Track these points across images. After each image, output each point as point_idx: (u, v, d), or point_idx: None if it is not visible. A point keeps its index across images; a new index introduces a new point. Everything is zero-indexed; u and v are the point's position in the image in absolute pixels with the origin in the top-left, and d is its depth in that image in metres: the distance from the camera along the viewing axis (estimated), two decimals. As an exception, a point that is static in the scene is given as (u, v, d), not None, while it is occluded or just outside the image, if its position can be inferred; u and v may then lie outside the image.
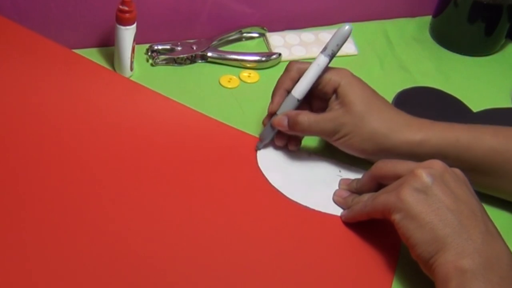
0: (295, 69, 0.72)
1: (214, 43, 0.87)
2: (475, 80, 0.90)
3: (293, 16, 0.92)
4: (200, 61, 0.86)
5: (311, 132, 0.71)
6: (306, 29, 0.93)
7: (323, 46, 0.71)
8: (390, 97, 0.84)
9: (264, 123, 0.74)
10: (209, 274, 0.60)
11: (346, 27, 0.69)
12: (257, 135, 0.74)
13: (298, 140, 0.73)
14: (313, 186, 0.70)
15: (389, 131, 0.69)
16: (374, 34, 0.94)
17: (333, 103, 0.70)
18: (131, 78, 0.81)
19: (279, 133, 0.72)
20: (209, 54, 0.85)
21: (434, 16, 0.96)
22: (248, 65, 0.86)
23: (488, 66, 0.93)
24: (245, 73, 0.85)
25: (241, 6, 0.89)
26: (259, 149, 0.73)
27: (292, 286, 0.61)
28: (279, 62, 0.87)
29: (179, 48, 0.85)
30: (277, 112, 0.71)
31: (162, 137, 0.72)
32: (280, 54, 0.87)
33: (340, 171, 0.73)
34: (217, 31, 0.88)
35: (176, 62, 0.85)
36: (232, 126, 0.75)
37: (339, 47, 0.70)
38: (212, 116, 0.76)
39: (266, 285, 0.61)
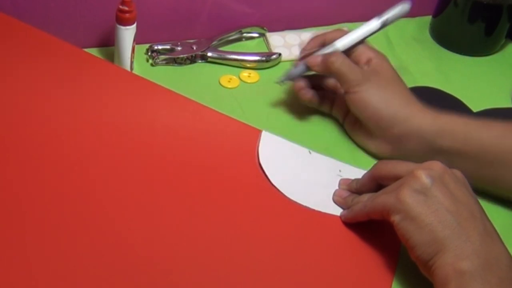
0: (336, 31, 0.76)
1: (214, 43, 0.87)
2: (475, 80, 0.90)
3: (293, 16, 0.92)
4: (200, 61, 0.86)
5: (338, 74, 0.73)
6: (306, 29, 0.93)
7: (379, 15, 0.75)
8: (390, 97, 0.84)
9: (294, 65, 0.77)
10: (209, 274, 0.60)
11: (406, 6, 0.73)
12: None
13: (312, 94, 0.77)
14: (313, 185, 0.70)
15: (405, 116, 0.71)
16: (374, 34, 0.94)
17: (364, 67, 0.74)
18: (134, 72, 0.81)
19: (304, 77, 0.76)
20: (209, 54, 0.85)
21: (434, 16, 0.96)
22: (248, 65, 0.86)
23: (488, 66, 0.93)
24: (245, 73, 0.85)
25: (241, 6, 0.89)
26: (280, 81, 0.76)
27: (292, 286, 0.61)
28: (279, 62, 0.87)
29: (179, 48, 0.85)
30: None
31: (165, 130, 0.72)
32: (280, 54, 0.87)
33: (340, 171, 0.73)
34: (217, 31, 0.88)
35: (176, 62, 0.85)
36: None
37: (393, 21, 0.74)
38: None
39: (266, 285, 0.61)
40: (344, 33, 0.76)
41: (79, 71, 0.77)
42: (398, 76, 0.75)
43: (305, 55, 0.76)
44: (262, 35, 0.91)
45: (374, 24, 0.74)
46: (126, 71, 0.80)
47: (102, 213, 0.63)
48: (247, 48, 0.89)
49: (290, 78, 0.77)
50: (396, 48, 0.93)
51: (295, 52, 0.89)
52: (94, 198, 0.64)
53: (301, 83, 0.76)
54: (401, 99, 0.72)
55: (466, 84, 0.88)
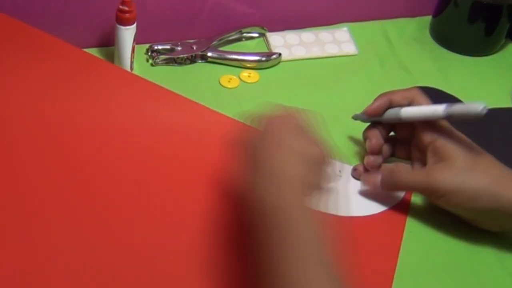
0: (414, 92, 0.69)
1: (214, 43, 0.87)
2: (475, 80, 0.90)
3: (293, 16, 0.92)
4: (200, 61, 0.86)
5: (407, 190, 0.69)
6: (306, 29, 0.93)
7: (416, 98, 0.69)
8: (390, 97, 0.84)
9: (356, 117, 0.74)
10: (208, 273, 0.60)
11: (480, 108, 0.63)
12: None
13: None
14: (313, 186, 0.70)
15: (498, 189, 0.64)
16: (374, 34, 0.94)
17: (430, 158, 0.66)
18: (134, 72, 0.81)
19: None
20: (209, 54, 0.85)
21: (434, 16, 0.96)
22: (248, 65, 0.86)
23: (488, 66, 0.93)
24: (245, 73, 0.85)
25: (241, 6, 0.89)
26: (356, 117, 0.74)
27: (292, 286, 0.61)
28: (279, 62, 0.87)
29: (179, 48, 0.85)
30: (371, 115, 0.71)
31: (165, 130, 0.72)
32: (280, 54, 0.87)
33: (340, 171, 0.73)
34: (217, 31, 0.88)
35: (176, 62, 0.85)
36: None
37: (458, 118, 0.65)
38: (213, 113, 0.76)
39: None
40: (411, 95, 0.69)
41: (78, 71, 0.77)
42: (467, 141, 0.67)
43: (369, 111, 0.71)
44: (262, 35, 0.91)
45: (441, 110, 0.65)
46: (126, 71, 0.80)
47: (102, 213, 0.63)
48: (247, 48, 0.89)
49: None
50: (396, 48, 0.93)
51: (295, 52, 0.89)
52: (93, 198, 0.64)
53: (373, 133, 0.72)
54: (488, 181, 0.64)
55: (466, 84, 0.88)
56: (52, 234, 0.61)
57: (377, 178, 0.68)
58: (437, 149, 0.66)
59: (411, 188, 0.68)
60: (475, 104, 0.63)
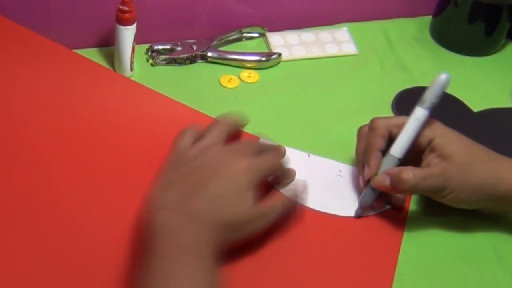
0: (382, 126, 0.67)
1: (214, 43, 0.87)
2: (475, 80, 0.90)
3: (293, 16, 0.92)
4: (200, 61, 0.86)
5: (416, 190, 0.66)
6: (306, 29, 0.93)
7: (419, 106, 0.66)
8: (390, 97, 0.84)
9: (361, 186, 0.69)
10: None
11: (443, 76, 0.65)
12: (257, 135, 0.74)
13: (400, 200, 0.69)
14: (313, 186, 0.70)
15: (497, 180, 0.65)
16: (374, 34, 0.94)
17: (430, 158, 0.66)
18: (131, 78, 0.81)
19: (379, 196, 0.68)
20: (209, 54, 0.85)
21: (434, 16, 0.96)
22: (248, 65, 0.86)
23: (488, 66, 0.93)
24: (245, 73, 0.85)
25: (241, 6, 0.89)
26: (358, 215, 0.67)
27: (292, 286, 0.61)
28: (279, 62, 0.87)
29: (179, 48, 0.85)
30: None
31: (162, 137, 0.72)
32: (280, 54, 0.87)
33: (340, 171, 0.73)
34: (217, 31, 0.88)
35: (176, 62, 0.85)
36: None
37: (438, 98, 0.66)
38: (212, 116, 0.76)
39: (266, 285, 0.61)
40: (386, 126, 0.67)
41: (75, 76, 0.77)
42: (466, 139, 0.68)
43: (371, 175, 0.67)
44: (262, 35, 0.91)
45: (421, 113, 0.65)
46: (122, 76, 0.80)
47: (101, 214, 0.63)
48: (247, 48, 0.89)
49: (364, 207, 0.68)
50: (396, 48, 0.93)
51: (295, 52, 0.89)
52: (90, 201, 0.64)
53: (382, 205, 0.69)
54: (488, 173, 0.65)
55: (466, 84, 0.88)
56: (52, 234, 0.61)
57: (386, 179, 0.66)
58: (435, 149, 0.66)
59: (420, 188, 0.65)
60: (439, 79, 0.65)
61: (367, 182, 0.67)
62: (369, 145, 0.67)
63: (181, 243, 0.55)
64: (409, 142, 0.66)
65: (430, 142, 0.66)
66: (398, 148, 0.66)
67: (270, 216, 0.62)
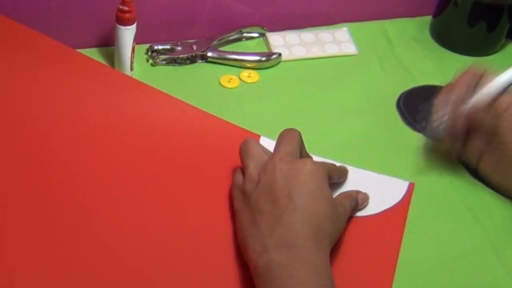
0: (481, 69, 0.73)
1: (214, 43, 0.87)
2: (475, 80, 0.90)
3: (293, 16, 0.92)
4: (200, 61, 0.86)
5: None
6: (306, 29, 0.93)
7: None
8: (390, 96, 0.84)
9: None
10: (209, 273, 0.60)
11: None
12: (257, 135, 0.74)
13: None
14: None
15: None
16: (374, 34, 0.94)
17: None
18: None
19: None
20: (209, 54, 0.85)
21: (434, 16, 0.96)
22: (248, 65, 0.86)
23: (488, 66, 0.93)
24: (245, 73, 0.85)
25: (241, 6, 0.89)
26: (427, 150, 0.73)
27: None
28: (279, 62, 0.87)
29: (179, 48, 0.85)
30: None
31: (164, 135, 0.72)
32: (280, 54, 0.87)
33: (340, 171, 0.73)
34: (217, 31, 0.88)
35: (176, 62, 0.85)
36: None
37: None
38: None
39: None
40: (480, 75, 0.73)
41: (77, 74, 0.77)
42: None
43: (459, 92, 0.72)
44: (262, 35, 0.91)
45: None
46: (124, 74, 0.80)
47: (103, 213, 0.63)
48: (247, 48, 0.89)
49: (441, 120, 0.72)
50: (396, 48, 0.93)
51: (295, 52, 0.89)
52: (91, 202, 0.64)
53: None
54: None
55: (466, 84, 0.88)
56: (52, 234, 0.61)
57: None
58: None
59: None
60: None
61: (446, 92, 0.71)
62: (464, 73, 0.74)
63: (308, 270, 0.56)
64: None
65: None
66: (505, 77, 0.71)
67: (348, 209, 0.65)
